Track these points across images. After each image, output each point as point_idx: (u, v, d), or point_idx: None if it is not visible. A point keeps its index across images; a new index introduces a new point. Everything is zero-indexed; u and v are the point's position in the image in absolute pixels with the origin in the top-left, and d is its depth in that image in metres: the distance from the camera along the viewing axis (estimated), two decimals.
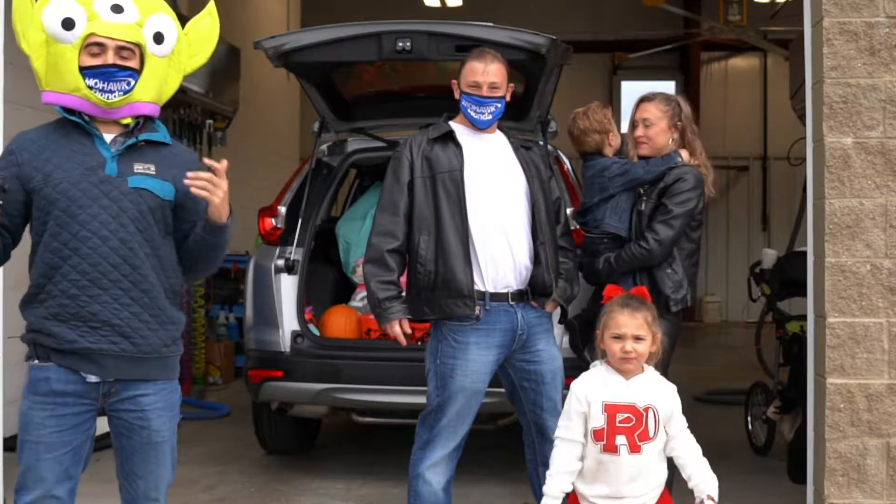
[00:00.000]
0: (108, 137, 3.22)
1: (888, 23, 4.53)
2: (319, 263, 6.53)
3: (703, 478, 3.51)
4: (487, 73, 4.28)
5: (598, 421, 3.46)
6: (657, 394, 3.50)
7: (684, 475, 3.54)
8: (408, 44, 5.36)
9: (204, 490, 5.92)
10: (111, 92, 3.16)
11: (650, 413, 3.45)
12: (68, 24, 3.14)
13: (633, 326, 3.47)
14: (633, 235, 4.64)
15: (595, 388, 3.50)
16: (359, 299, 6.40)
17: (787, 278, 6.50)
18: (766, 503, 5.67)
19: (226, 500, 5.73)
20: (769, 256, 6.94)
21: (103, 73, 3.14)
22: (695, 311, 17.15)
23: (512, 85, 4.41)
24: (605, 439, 3.45)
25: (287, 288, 5.87)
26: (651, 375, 3.54)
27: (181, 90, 10.03)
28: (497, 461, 6.21)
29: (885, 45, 4.53)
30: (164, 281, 3.24)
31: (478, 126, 4.34)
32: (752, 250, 16.09)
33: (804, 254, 5.00)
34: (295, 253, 5.92)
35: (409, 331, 4.26)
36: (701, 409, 8.40)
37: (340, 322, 6.06)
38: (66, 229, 3.11)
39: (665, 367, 4.35)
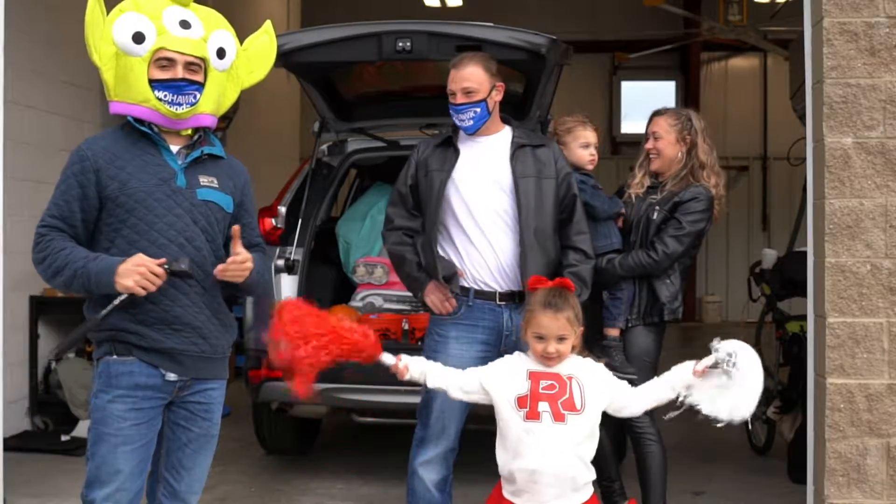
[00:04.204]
0: (173, 149, 3.37)
1: (888, 23, 4.54)
2: (319, 263, 6.52)
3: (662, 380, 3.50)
4: (459, 78, 4.29)
5: (522, 388, 3.42)
6: (580, 369, 3.47)
7: (653, 397, 3.50)
8: (408, 44, 5.36)
9: (204, 490, 5.87)
10: (179, 105, 3.31)
11: (573, 383, 3.42)
12: (139, 37, 3.28)
13: (556, 328, 3.42)
14: (640, 242, 4.73)
15: (521, 360, 3.51)
16: (359, 299, 6.40)
17: (787, 278, 6.50)
18: (766, 503, 5.68)
19: (226, 500, 5.73)
20: (769, 256, 6.95)
21: (173, 87, 3.30)
22: (695, 311, 17.16)
23: (502, 85, 4.37)
24: (527, 406, 3.40)
25: (287, 288, 5.87)
26: (573, 358, 3.50)
27: None
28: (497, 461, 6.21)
29: (885, 45, 4.54)
30: (222, 288, 3.41)
31: (465, 132, 4.36)
32: (752, 250, 16.09)
33: (804, 254, 5.01)
34: (295, 253, 5.93)
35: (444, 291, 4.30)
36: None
37: None
38: (144, 237, 3.24)
39: (653, 374, 4.35)
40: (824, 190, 4.56)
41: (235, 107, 11.77)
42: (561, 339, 3.44)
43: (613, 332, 4.71)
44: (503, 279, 4.30)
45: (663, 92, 17.71)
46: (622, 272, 4.67)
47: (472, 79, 4.28)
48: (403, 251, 4.40)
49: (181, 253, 3.26)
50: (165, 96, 3.28)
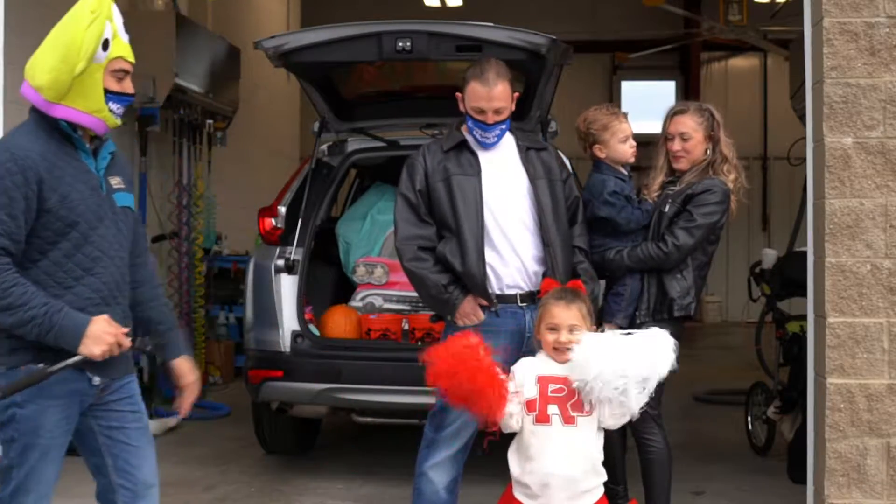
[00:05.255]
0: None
1: (888, 23, 4.53)
2: (319, 263, 6.53)
3: None
4: (492, 98, 4.26)
5: (531, 392, 3.46)
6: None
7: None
8: (408, 44, 5.36)
9: (204, 490, 5.92)
10: (119, 116, 3.22)
11: None
12: (105, 44, 3.14)
13: (567, 318, 3.49)
14: (651, 235, 4.63)
15: (530, 365, 3.53)
16: (359, 299, 6.40)
17: (787, 278, 6.50)
18: (766, 503, 5.67)
19: (226, 500, 5.73)
20: (769, 256, 6.95)
21: (125, 100, 3.20)
22: (695, 311, 17.13)
23: (517, 94, 4.40)
24: (536, 409, 3.44)
25: (287, 288, 5.87)
26: None
27: (181, 90, 10.03)
28: (498, 461, 6.20)
29: (885, 45, 4.53)
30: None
31: (484, 147, 4.36)
32: (752, 250, 16.06)
33: (804, 254, 5.00)
34: (295, 253, 5.93)
35: (482, 303, 4.25)
36: (701, 409, 8.41)
37: (340, 322, 6.07)
38: (80, 250, 3.12)
39: None
40: (824, 190, 4.55)
41: (235, 107, 11.69)
42: (573, 329, 3.46)
43: (611, 329, 4.68)
44: (524, 281, 4.30)
45: (663, 92, 17.70)
46: (630, 263, 4.57)
47: (503, 98, 4.27)
48: (423, 272, 4.26)
49: (112, 265, 3.18)
50: (118, 108, 3.18)
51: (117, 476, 3.28)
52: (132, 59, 3.22)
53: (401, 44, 5.37)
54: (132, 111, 8.52)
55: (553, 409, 3.43)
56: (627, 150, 4.68)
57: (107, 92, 3.15)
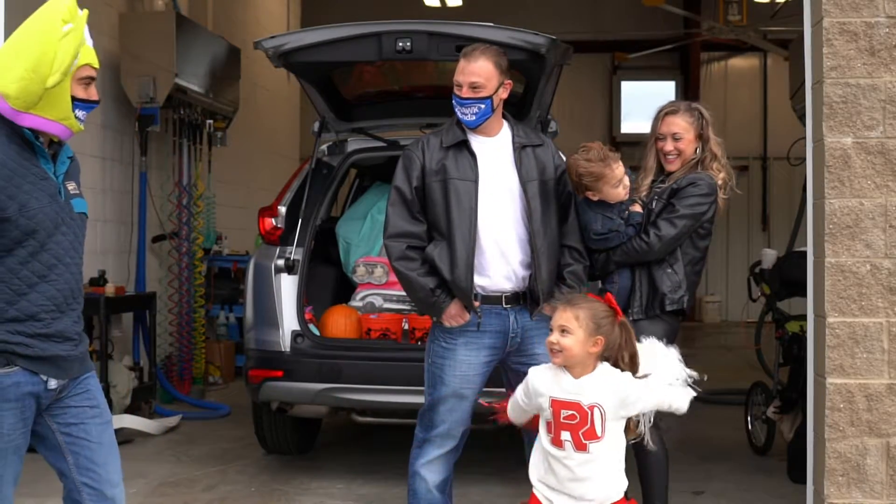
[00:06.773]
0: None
1: (888, 23, 4.54)
2: (319, 263, 6.53)
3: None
4: (468, 72, 4.22)
5: (547, 414, 3.47)
6: (604, 391, 3.43)
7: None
8: (408, 44, 5.36)
9: (204, 490, 5.92)
10: (83, 122, 3.20)
11: (595, 412, 3.41)
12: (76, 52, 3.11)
13: (559, 319, 3.46)
14: (640, 232, 4.62)
15: (546, 383, 3.50)
16: (359, 299, 6.40)
17: (787, 278, 6.50)
18: (766, 503, 5.68)
19: (226, 500, 5.73)
20: (769, 256, 6.95)
21: (91, 107, 3.18)
22: (695, 311, 17.15)
23: (510, 83, 4.34)
24: (552, 432, 3.45)
25: (287, 288, 5.88)
26: (601, 373, 3.48)
27: (181, 90, 10.00)
28: (497, 461, 6.21)
29: (885, 45, 4.54)
30: None
31: (467, 126, 4.31)
32: (752, 250, 16.09)
33: (804, 254, 5.00)
34: (295, 253, 5.93)
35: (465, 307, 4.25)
36: (701, 409, 8.39)
37: (340, 322, 6.07)
38: (35, 257, 3.09)
39: None
40: (824, 190, 4.56)
41: (235, 107, 11.67)
42: (564, 331, 3.44)
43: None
44: (510, 283, 4.28)
45: (663, 92, 17.69)
46: (615, 258, 4.59)
47: (481, 73, 4.21)
48: (411, 273, 4.24)
49: (67, 272, 3.15)
50: (83, 115, 3.16)
51: (80, 475, 3.24)
52: (97, 65, 3.20)
53: (401, 44, 5.37)
54: (132, 111, 8.54)
55: (566, 436, 3.43)
56: (621, 193, 4.55)
57: (74, 99, 3.13)
